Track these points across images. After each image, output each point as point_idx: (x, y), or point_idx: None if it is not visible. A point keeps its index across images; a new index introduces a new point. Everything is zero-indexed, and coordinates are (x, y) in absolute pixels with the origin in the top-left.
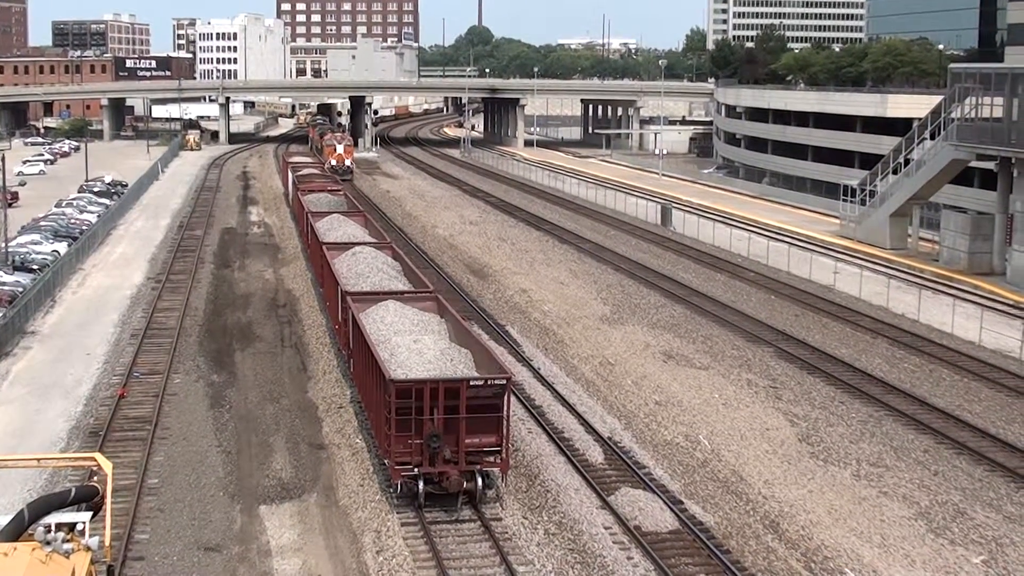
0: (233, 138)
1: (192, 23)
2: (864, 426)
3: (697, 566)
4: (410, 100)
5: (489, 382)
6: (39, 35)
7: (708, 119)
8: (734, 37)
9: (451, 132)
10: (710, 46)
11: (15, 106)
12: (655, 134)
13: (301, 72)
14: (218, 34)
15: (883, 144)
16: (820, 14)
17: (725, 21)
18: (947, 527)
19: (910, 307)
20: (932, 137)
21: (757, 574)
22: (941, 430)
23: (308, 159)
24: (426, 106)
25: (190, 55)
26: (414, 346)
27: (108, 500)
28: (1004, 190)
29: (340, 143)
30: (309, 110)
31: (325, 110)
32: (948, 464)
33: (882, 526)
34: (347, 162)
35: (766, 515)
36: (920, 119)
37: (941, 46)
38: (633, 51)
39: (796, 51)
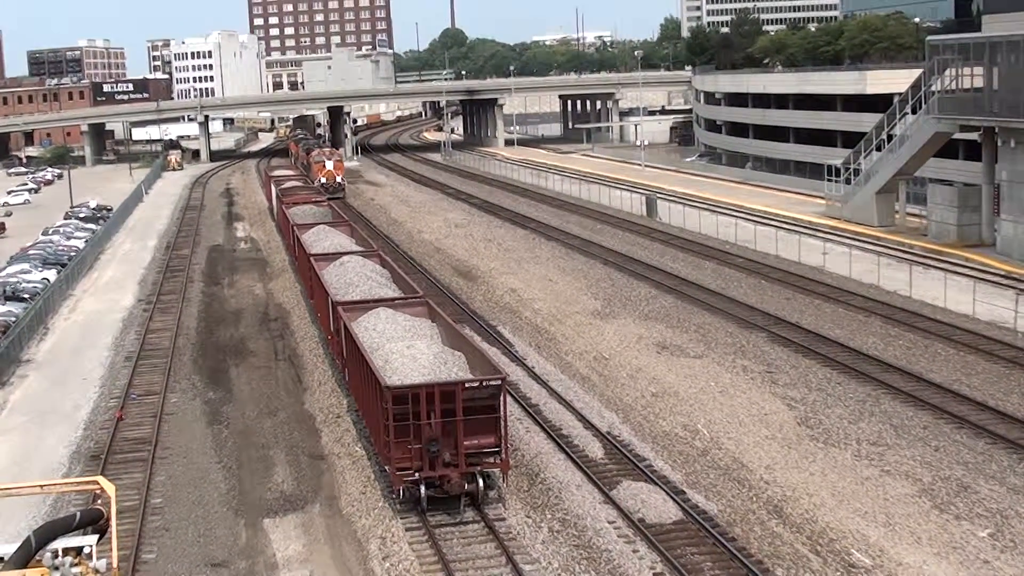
0: (214, 155)
1: (167, 44)
2: (862, 406)
3: (703, 555)
4: (381, 108)
5: (484, 383)
6: (15, 66)
7: (687, 107)
8: (708, 24)
9: (431, 136)
10: (685, 34)
11: None
12: (635, 125)
13: (278, 86)
14: (193, 53)
15: (864, 122)
16: None
17: (699, 8)
18: (951, 502)
19: (902, 283)
20: (913, 111)
21: (764, 560)
22: (940, 405)
23: (290, 172)
24: (399, 112)
25: (167, 76)
26: (407, 352)
27: (113, 522)
28: (989, 160)
29: (329, 159)
30: (287, 123)
31: (301, 122)
32: (949, 439)
33: (886, 505)
34: (338, 178)
35: (769, 500)
36: (900, 94)
37: (917, 19)
38: (608, 44)
39: (771, 33)
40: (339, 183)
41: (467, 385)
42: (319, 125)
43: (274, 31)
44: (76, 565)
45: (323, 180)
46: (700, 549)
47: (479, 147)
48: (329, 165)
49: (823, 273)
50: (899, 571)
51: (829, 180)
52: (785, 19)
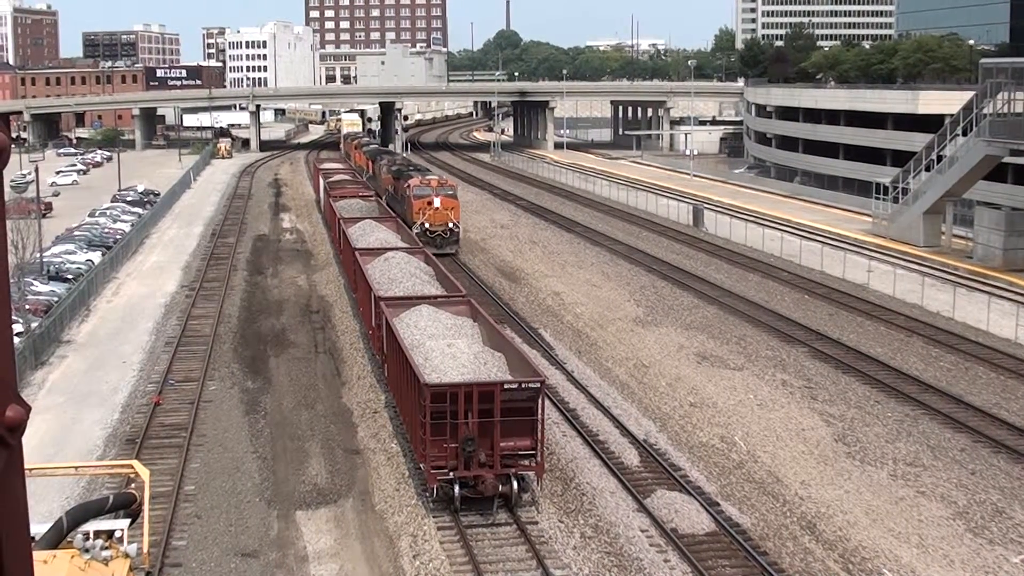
0: (264, 145)
1: (221, 32)
2: (900, 425)
3: (734, 568)
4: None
5: (523, 385)
6: (70, 47)
7: (738, 119)
8: (763, 36)
9: (481, 136)
10: (739, 45)
11: (47, 117)
12: (685, 135)
13: (331, 79)
14: (247, 42)
15: (915, 141)
16: (849, 11)
17: (754, 20)
18: (986, 526)
19: (945, 305)
20: (964, 133)
21: (795, 575)
22: (978, 428)
23: (339, 165)
24: (419, 116)
25: (220, 64)
26: (448, 350)
27: (146, 507)
28: None
29: (437, 193)
30: (338, 116)
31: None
32: (986, 463)
33: (920, 526)
34: (451, 223)
35: (803, 516)
36: (952, 115)
37: (972, 41)
38: (662, 52)
39: (826, 49)
40: (451, 229)
41: (506, 386)
42: (370, 120)
43: (329, 24)
44: (107, 548)
45: (426, 224)
46: (732, 562)
47: (528, 149)
48: (437, 202)
49: (867, 291)
50: None
51: (877, 198)
52: (839, 35)
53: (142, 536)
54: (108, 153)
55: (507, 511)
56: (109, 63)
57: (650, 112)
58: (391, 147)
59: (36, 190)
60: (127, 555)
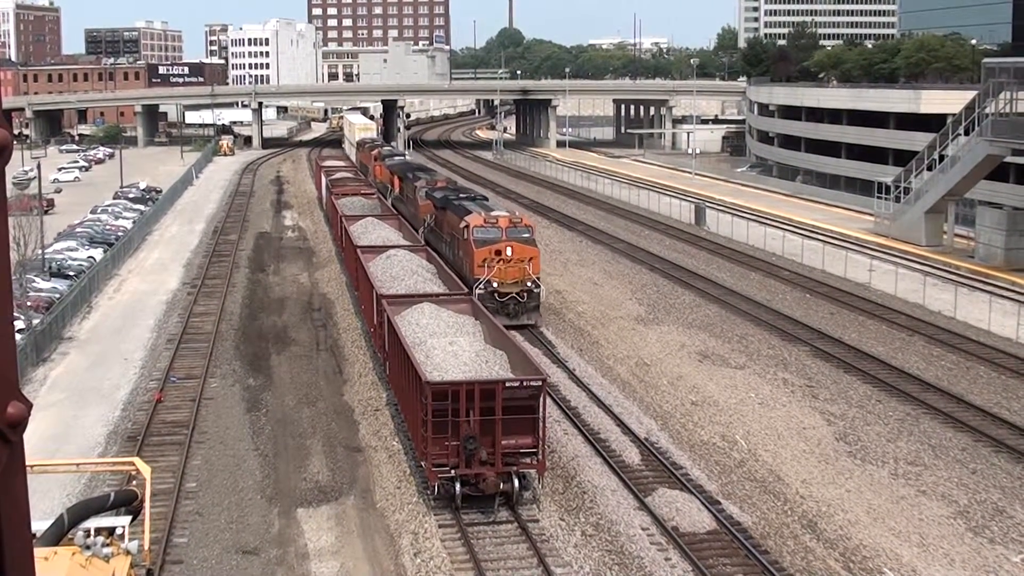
0: (266, 143)
1: (224, 29)
2: (901, 424)
3: (735, 566)
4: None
5: (525, 383)
6: (73, 43)
7: (741, 118)
8: (766, 35)
9: (483, 134)
10: (742, 44)
11: (50, 114)
12: (688, 133)
13: (333, 76)
14: (250, 39)
15: (917, 141)
16: (852, 10)
17: (756, 19)
18: (986, 526)
19: (946, 304)
20: (966, 133)
21: (795, 574)
22: (979, 428)
23: (341, 163)
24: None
25: (222, 61)
26: (449, 348)
27: (147, 504)
28: None
29: (508, 237)
30: (340, 115)
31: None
32: (986, 462)
33: (921, 525)
34: (530, 282)
35: (804, 515)
36: (954, 115)
37: (974, 41)
38: (665, 50)
39: (828, 48)
40: (531, 290)
41: (507, 384)
42: (372, 118)
43: (332, 22)
44: (108, 545)
45: (494, 284)
46: (732, 560)
47: (530, 147)
48: (509, 251)
49: (868, 290)
50: None
51: (879, 197)
52: (842, 35)
53: (143, 533)
54: (110, 150)
55: (508, 509)
56: (112, 60)
57: (652, 111)
58: (393, 145)
59: (38, 187)
60: (128, 552)
